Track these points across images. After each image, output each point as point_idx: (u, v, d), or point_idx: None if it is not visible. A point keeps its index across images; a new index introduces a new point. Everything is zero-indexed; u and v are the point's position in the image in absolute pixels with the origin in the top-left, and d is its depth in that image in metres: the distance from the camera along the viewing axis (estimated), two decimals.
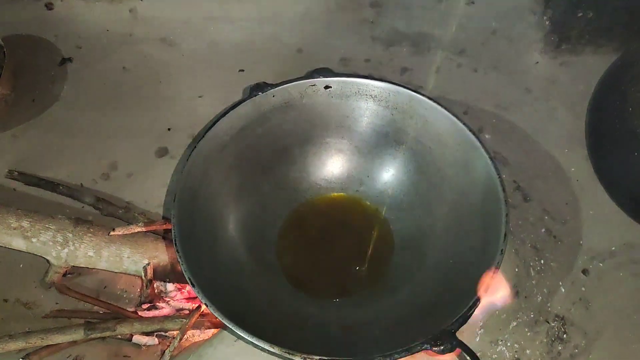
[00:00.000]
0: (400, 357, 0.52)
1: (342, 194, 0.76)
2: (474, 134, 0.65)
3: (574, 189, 0.82)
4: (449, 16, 1.01)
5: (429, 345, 0.52)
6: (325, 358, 0.51)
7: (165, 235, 0.76)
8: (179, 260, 0.57)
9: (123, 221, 0.79)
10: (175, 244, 0.58)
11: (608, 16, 0.88)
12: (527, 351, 0.69)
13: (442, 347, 0.52)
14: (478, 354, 0.53)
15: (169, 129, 0.90)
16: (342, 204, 0.76)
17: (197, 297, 0.55)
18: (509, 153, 0.85)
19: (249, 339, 0.52)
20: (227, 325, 0.53)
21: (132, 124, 0.91)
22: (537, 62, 0.95)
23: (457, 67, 0.96)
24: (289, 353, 0.52)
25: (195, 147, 0.65)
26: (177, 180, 0.62)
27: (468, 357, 0.53)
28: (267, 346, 0.52)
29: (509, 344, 0.69)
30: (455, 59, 0.97)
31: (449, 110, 0.67)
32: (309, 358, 0.51)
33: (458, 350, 0.52)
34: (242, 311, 0.58)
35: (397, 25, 1.01)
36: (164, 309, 0.74)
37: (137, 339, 0.72)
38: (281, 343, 0.52)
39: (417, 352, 0.52)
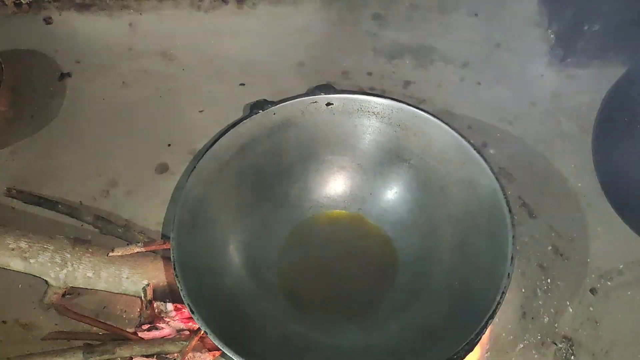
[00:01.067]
0: None
1: (344, 212, 0.75)
2: (478, 152, 0.64)
3: (581, 206, 0.81)
4: (452, 28, 1.00)
5: None
6: None
7: (164, 255, 0.75)
8: (178, 285, 0.56)
9: (122, 240, 0.78)
10: (175, 268, 0.57)
11: (614, 29, 0.86)
12: None
13: None
14: None
15: (169, 145, 0.89)
16: (345, 222, 0.74)
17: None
18: (514, 168, 0.84)
19: None
20: (228, 354, 0.52)
21: (131, 139, 0.90)
22: (542, 75, 0.94)
23: (460, 80, 0.95)
24: None
25: (194, 167, 0.64)
26: (176, 202, 0.61)
27: None
28: None
29: None
30: (459, 72, 0.95)
31: (452, 128, 0.66)
32: None
33: None
34: (243, 337, 0.57)
35: (400, 37, 0.99)
36: (164, 330, 0.72)
37: None
38: None
39: None
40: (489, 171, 0.62)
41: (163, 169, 0.87)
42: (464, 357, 0.51)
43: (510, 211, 0.59)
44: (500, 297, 0.54)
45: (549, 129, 0.89)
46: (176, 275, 0.56)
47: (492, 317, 0.53)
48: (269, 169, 0.72)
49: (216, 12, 1.01)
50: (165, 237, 0.79)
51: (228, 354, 0.52)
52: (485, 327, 0.52)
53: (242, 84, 0.95)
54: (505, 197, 0.60)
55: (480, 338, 0.52)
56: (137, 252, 0.72)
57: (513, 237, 0.58)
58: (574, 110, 0.90)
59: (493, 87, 0.94)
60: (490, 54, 0.97)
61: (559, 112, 0.90)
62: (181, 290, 0.55)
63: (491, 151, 0.86)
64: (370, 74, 0.96)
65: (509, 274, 0.55)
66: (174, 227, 0.59)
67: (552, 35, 0.94)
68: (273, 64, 0.98)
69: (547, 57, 0.95)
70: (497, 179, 0.62)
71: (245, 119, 0.68)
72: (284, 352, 0.60)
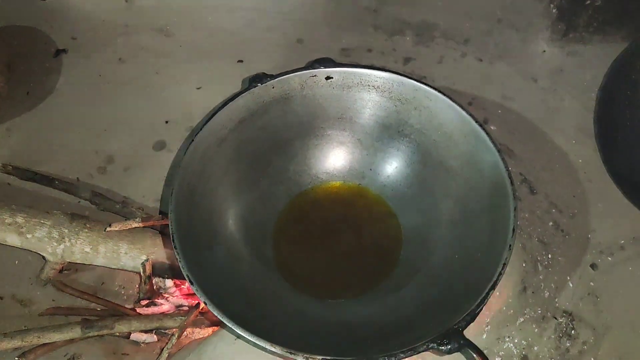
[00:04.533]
0: (406, 357, 0.50)
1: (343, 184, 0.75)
2: (480, 125, 0.63)
3: (582, 181, 0.81)
4: (453, 4, 0.98)
5: (435, 345, 0.50)
6: (328, 358, 0.50)
7: (163, 231, 0.75)
8: (177, 257, 0.55)
9: (120, 216, 0.78)
10: (173, 241, 0.56)
11: (616, 4, 0.85)
12: (535, 348, 0.68)
13: (449, 347, 0.50)
14: (484, 351, 0.52)
15: (166, 122, 0.88)
16: (344, 195, 0.74)
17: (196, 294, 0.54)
18: (515, 144, 0.84)
19: (250, 338, 0.51)
20: (227, 324, 0.51)
21: (128, 116, 0.89)
22: (544, 51, 0.93)
23: (461, 56, 0.94)
24: (290, 353, 0.50)
25: (192, 140, 0.63)
26: (174, 175, 0.60)
27: (476, 356, 0.51)
28: (268, 345, 0.50)
29: (516, 341, 0.68)
30: (460, 49, 0.94)
31: (454, 101, 0.65)
32: (311, 358, 0.50)
33: None
34: (242, 309, 0.57)
35: (400, 13, 0.98)
36: (163, 306, 0.72)
37: (136, 336, 0.70)
38: (282, 342, 0.51)
39: (423, 351, 0.50)
40: (490, 143, 0.62)
41: (160, 145, 0.86)
42: (466, 327, 0.51)
43: (512, 183, 0.59)
44: (502, 268, 0.54)
45: (550, 105, 0.88)
46: (175, 247, 0.56)
47: (493, 287, 0.53)
48: (267, 144, 0.71)
49: None
50: (163, 214, 0.78)
51: (228, 324, 0.51)
52: (486, 297, 0.52)
53: (240, 61, 0.94)
54: (506, 169, 0.60)
55: (482, 309, 0.52)
56: (135, 227, 0.72)
57: (515, 208, 0.57)
58: (576, 86, 0.89)
59: (494, 63, 0.93)
60: (491, 29, 0.96)
61: (561, 88, 0.89)
62: (180, 262, 0.55)
63: (492, 127, 0.85)
64: (370, 50, 0.95)
65: (510, 245, 0.55)
66: (172, 200, 0.59)
67: (554, 11, 0.93)
68: (271, 40, 0.97)
69: (549, 32, 0.93)
70: (498, 151, 0.61)
71: (244, 92, 0.67)
72: (284, 326, 0.60)
